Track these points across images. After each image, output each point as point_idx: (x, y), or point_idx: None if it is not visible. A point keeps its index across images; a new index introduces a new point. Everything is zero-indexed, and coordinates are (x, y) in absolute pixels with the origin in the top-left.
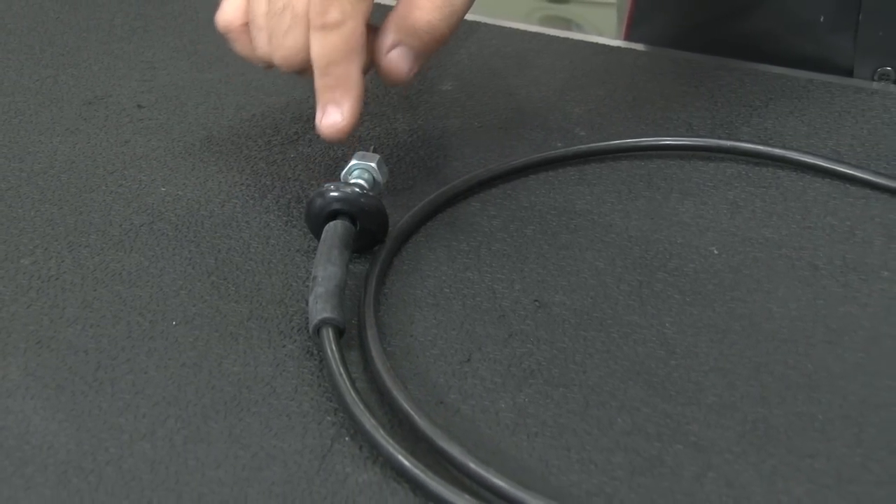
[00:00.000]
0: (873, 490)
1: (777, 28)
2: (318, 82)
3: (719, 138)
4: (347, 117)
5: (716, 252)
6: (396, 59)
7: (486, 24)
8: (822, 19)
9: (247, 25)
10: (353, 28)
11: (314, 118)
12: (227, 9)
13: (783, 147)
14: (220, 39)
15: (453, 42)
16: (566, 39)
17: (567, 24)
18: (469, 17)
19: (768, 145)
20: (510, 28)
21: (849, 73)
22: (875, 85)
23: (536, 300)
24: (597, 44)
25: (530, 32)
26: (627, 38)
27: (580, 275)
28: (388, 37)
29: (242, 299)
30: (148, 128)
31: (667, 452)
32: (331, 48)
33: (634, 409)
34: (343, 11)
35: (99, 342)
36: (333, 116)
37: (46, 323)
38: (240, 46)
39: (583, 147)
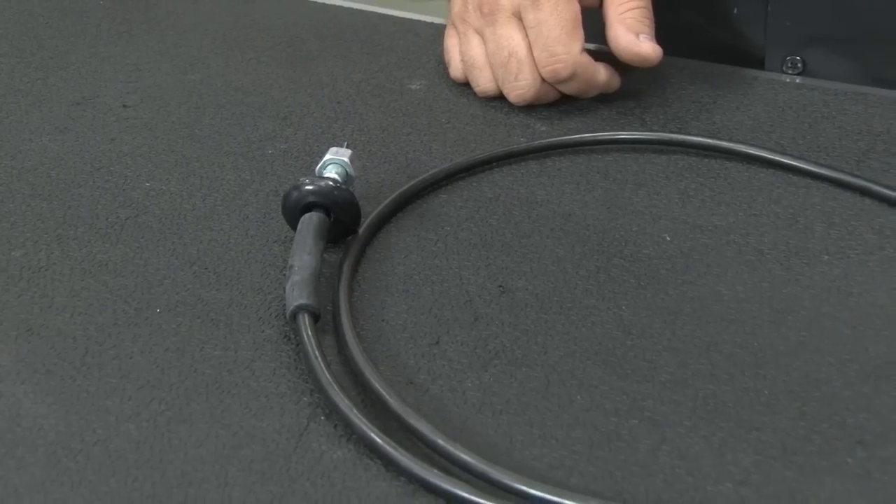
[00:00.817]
0: (815, 460)
1: (699, 21)
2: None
3: (671, 132)
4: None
5: (668, 239)
6: (651, 45)
7: None
8: (735, 11)
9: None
10: (579, 68)
11: (293, 116)
12: (453, 66)
13: (730, 140)
14: (201, 43)
15: (422, 45)
16: None
17: None
18: (437, 21)
19: (716, 139)
20: None
21: (760, 62)
22: (815, 81)
23: (501, 286)
24: None
25: None
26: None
27: (541, 261)
28: (623, 22)
29: (223, 287)
30: (133, 126)
31: (623, 427)
32: (573, 90)
33: (593, 387)
34: (567, 63)
35: (86, 329)
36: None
37: (36, 311)
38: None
39: (543, 141)
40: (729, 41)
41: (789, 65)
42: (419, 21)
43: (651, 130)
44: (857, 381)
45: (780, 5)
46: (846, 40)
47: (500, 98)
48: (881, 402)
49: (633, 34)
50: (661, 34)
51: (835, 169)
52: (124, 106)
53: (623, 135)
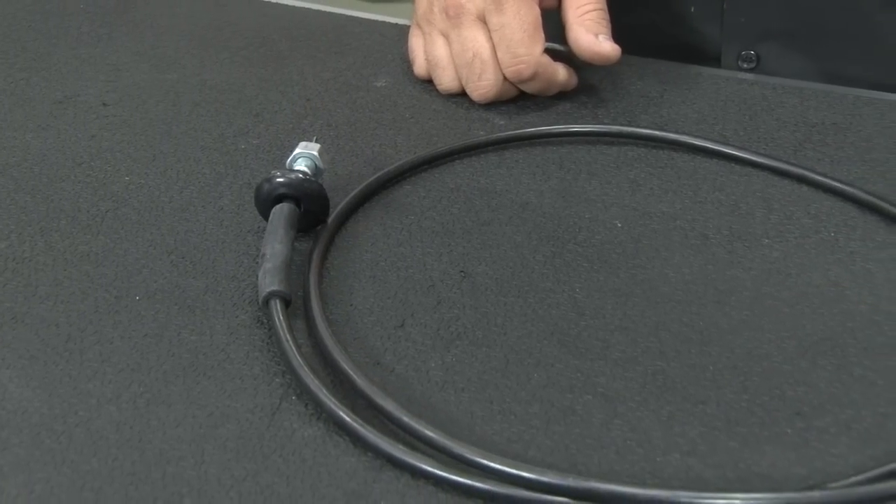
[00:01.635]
0: (757, 431)
1: (657, 20)
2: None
3: (621, 125)
4: (572, 83)
5: (619, 225)
6: (611, 45)
7: None
8: (692, 10)
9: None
10: (540, 68)
11: (265, 115)
12: (418, 65)
13: (676, 132)
14: (177, 44)
15: (387, 45)
16: None
17: None
18: (401, 22)
19: (664, 131)
20: None
21: (717, 58)
22: (755, 77)
23: (462, 271)
24: None
25: None
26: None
27: (500, 247)
28: (583, 24)
29: (199, 275)
30: (112, 123)
31: (578, 402)
32: (535, 88)
33: (549, 365)
34: (529, 64)
35: (69, 316)
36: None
37: (21, 300)
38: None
39: (502, 134)
40: (686, 38)
41: (744, 59)
42: (384, 22)
43: (603, 123)
44: (796, 356)
45: (736, 2)
46: (799, 35)
47: (461, 95)
48: (818, 375)
49: (592, 35)
50: (621, 34)
51: (773, 158)
52: (104, 104)
53: (576, 127)
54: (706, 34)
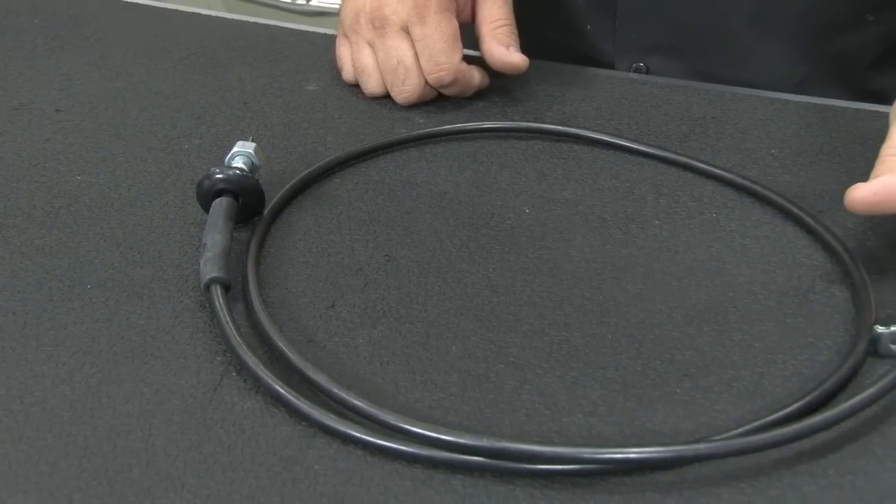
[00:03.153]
0: (650, 392)
1: (560, 35)
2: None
3: (528, 122)
4: (485, 84)
5: (527, 211)
6: (521, 56)
7: None
8: (588, 27)
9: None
10: (459, 74)
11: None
12: (346, 71)
13: (577, 127)
14: (125, 54)
15: (317, 53)
16: None
17: None
18: (329, 32)
19: (566, 126)
20: None
21: (612, 69)
22: (644, 77)
23: (387, 255)
24: None
25: None
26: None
27: (421, 233)
28: (494, 37)
29: (146, 265)
30: (65, 128)
31: (492, 371)
32: (454, 92)
33: (465, 338)
34: (450, 71)
35: (25, 305)
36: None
37: None
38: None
39: (421, 132)
40: (584, 52)
41: (635, 70)
42: (314, 32)
43: (512, 120)
44: (683, 324)
45: (625, 22)
46: (681, 49)
47: (386, 98)
48: (703, 340)
49: (503, 47)
50: (528, 47)
51: (662, 149)
52: (57, 110)
53: (489, 124)
54: (601, 48)
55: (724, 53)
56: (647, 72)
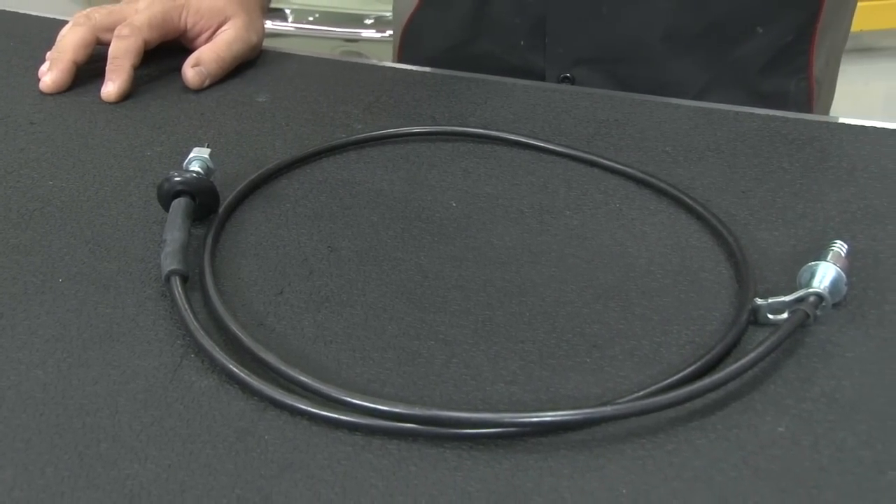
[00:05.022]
0: (563, 362)
1: (496, 49)
2: (108, 66)
3: (454, 126)
4: (114, 90)
5: (454, 205)
6: (194, 73)
7: (296, 55)
8: (522, 43)
9: None
10: (133, 41)
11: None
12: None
13: (498, 130)
14: (92, 73)
15: (269, 65)
16: (353, 64)
17: (357, 55)
18: (283, 48)
19: (487, 129)
20: (312, 57)
21: (542, 78)
22: (556, 86)
23: (329, 246)
24: (374, 65)
25: (325, 59)
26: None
27: (360, 227)
28: (194, 59)
29: (112, 259)
30: (38, 138)
31: (423, 347)
32: (116, 48)
33: (400, 319)
34: (131, 31)
35: (1, 298)
36: (108, 87)
37: None
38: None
39: (359, 136)
40: (518, 64)
41: (562, 80)
42: (264, 50)
43: (440, 125)
44: (592, 301)
45: (554, 38)
46: (602, 61)
47: (328, 106)
48: (609, 315)
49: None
50: (467, 60)
51: (571, 148)
52: (31, 123)
53: (419, 129)
54: (533, 61)
55: (640, 65)
56: (574, 82)
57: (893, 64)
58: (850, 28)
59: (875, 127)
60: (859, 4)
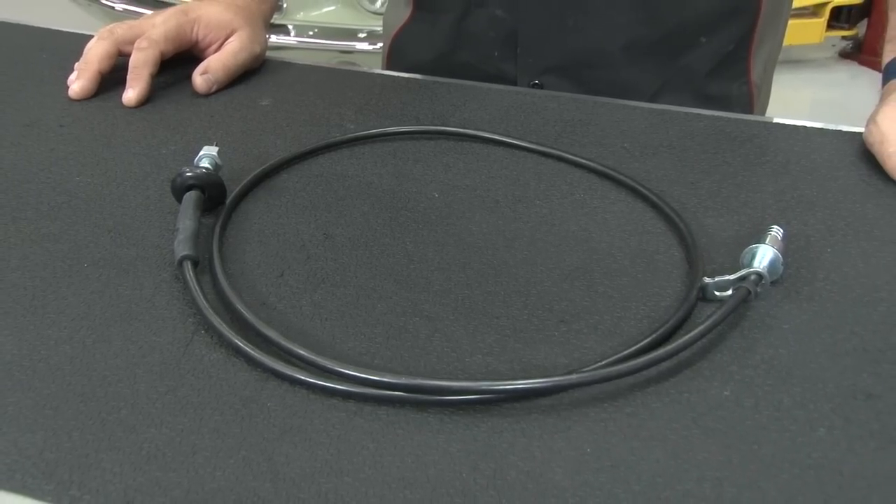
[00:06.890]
0: (534, 335)
1: (473, 59)
2: (128, 75)
3: (436, 125)
4: (133, 96)
5: (437, 196)
6: (203, 80)
7: (295, 63)
8: (496, 54)
9: None
10: (151, 53)
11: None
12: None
13: (475, 129)
14: (116, 81)
15: (271, 73)
16: (346, 71)
17: (351, 64)
18: (287, 58)
19: (466, 128)
20: (309, 65)
21: (514, 84)
22: (527, 90)
23: (325, 233)
24: (365, 73)
25: (321, 67)
26: (388, 69)
27: (352, 216)
28: (203, 67)
29: (132, 246)
30: (66, 139)
31: (409, 323)
32: (136, 59)
33: (388, 298)
34: (149, 44)
35: (33, 281)
36: (128, 93)
37: None
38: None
39: (352, 135)
40: (492, 72)
41: (532, 86)
42: (268, 59)
43: (423, 125)
44: (560, 281)
45: (525, 49)
46: (569, 69)
47: (323, 108)
48: (575, 293)
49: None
50: (448, 69)
51: (541, 145)
52: (60, 125)
53: (405, 128)
54: (506, 69)
55: (602, 71)
56: (542, 87)
57: (817, 74)
58: (783, 40)
59: (806, 126)
60: (789, 22)
